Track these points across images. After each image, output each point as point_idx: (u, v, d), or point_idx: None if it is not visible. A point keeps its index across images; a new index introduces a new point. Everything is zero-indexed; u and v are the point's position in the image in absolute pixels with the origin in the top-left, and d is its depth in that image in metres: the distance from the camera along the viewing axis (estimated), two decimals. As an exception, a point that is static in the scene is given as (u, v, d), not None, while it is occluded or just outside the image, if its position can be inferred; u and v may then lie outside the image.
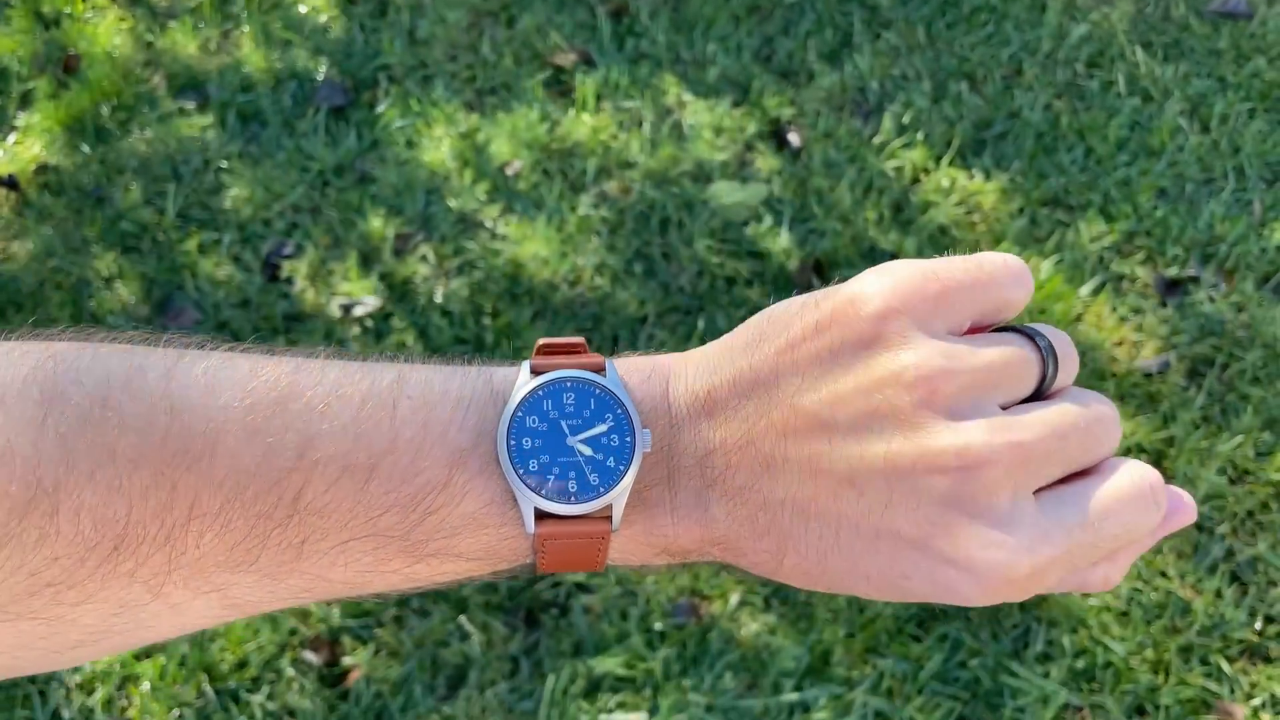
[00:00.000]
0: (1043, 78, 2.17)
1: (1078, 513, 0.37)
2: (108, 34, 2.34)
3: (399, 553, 0.38)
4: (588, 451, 0.39)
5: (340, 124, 2.16)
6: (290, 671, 1.51)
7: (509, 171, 2.06)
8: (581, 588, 1.57)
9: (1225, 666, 1.49)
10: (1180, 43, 2.23)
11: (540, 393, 0.40)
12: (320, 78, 2.23)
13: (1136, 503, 0.38)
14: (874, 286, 0.38)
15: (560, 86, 2.21)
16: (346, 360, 0.40)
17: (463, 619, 1.55)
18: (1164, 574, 1.57)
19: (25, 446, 0.34)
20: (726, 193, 2.00)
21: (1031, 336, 0.40)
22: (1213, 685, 1.47)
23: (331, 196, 2.05)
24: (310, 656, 1.52)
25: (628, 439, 0.39)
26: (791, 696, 1.47)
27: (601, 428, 0.39)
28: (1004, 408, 0.38)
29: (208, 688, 1.49)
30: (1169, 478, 1.65)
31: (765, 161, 2.07)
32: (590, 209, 2.00)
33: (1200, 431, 1.70)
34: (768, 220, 1.97)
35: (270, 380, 0.37)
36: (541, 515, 0.38)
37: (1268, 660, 1.50)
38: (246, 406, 0.36)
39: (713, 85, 2.18)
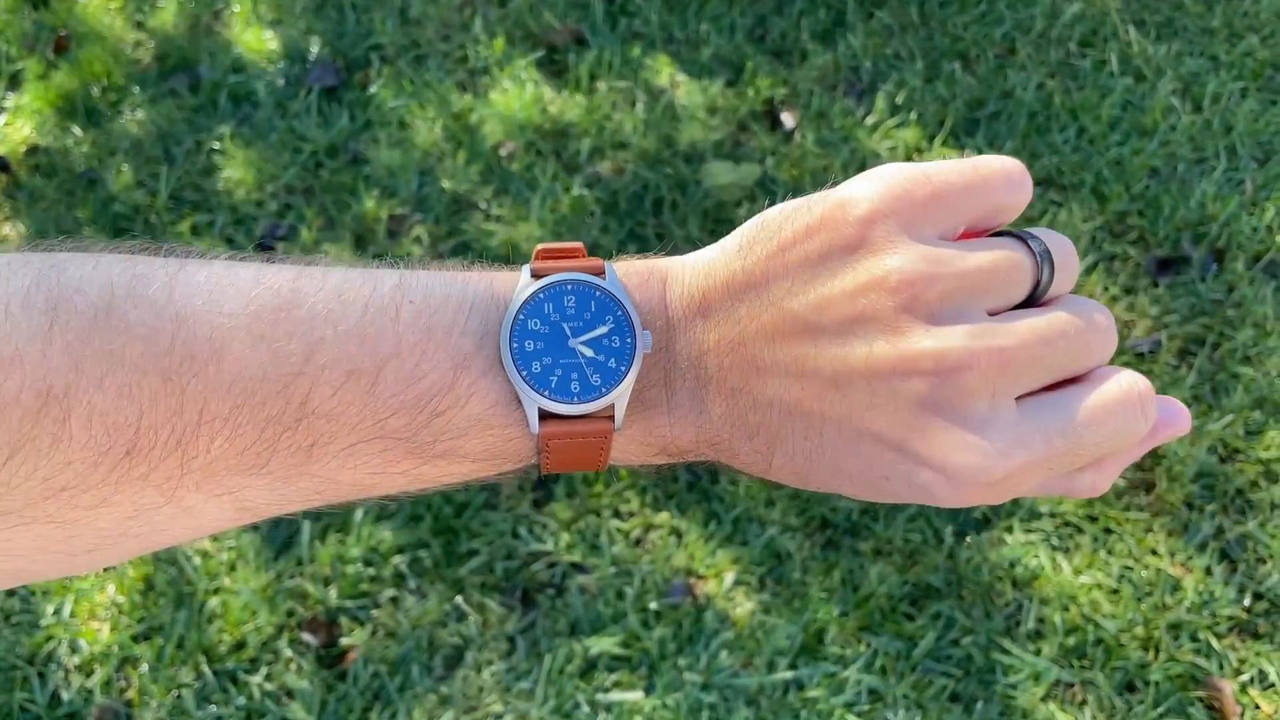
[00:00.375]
0: (1035, 57, 2.17)
1: (1059, 420, 0.38)
2: (97, 14, 2.32)
3: (407, 454, 0.39)
4: (589, 353, 0.40)
5: (333, 105, 2.15)
6: (288, 652, 1.52)
7: (502, 152, 2.06)
8: (577, 567, 1.59)
9: (1214, 643, 1.51)
10: (1173, 21, 2.23)
11: (541, 295, 0.40)
12: (312, 58, 2.22)
13: (1122, 412, 0.38)
14: (863, 190, 0.38)
15: (553, 66, 2.20)
16: (347, 267, 0.40)
17: (459, 599, 1.56)
18: (1154, 552, 1.59)
19: (33, 354, 0.34)
20: (720, 173, 2.00)
21: (1027, 241, 0.40)
22: (1202, 661, 1.49)
23: (325, 178, 2.04)
24: (308, 637, 1.53)
25: (628, 340, 0.40)
26: (786, 674, 1.48)
27: (602, 329, 0.40)
28: (996, 313, 0.39)
29: (206, 669, 1.50)
30: (1159, 456, 1.66)
31: (759, 141, 2.07)
32: (584, 190, 1.99)
33: (1191, 410, 1.71)
34: (761, 201, 1.97)
35: (273, 287, 0.38)
36: (545, 415, 0.39)
37: (1256, 636, 1.52)
38: (251, 314, 0.37)
39: (706, 65, 2.18)
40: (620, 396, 0.40)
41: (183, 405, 0.36)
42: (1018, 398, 0.38)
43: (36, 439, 0.34)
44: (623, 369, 0.40)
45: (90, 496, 0.36)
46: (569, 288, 0.41)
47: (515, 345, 0.39)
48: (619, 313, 0.40)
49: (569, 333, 0.40)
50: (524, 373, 0.39)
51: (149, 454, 0.36)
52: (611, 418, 0.40)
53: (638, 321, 0.40)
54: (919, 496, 0.38)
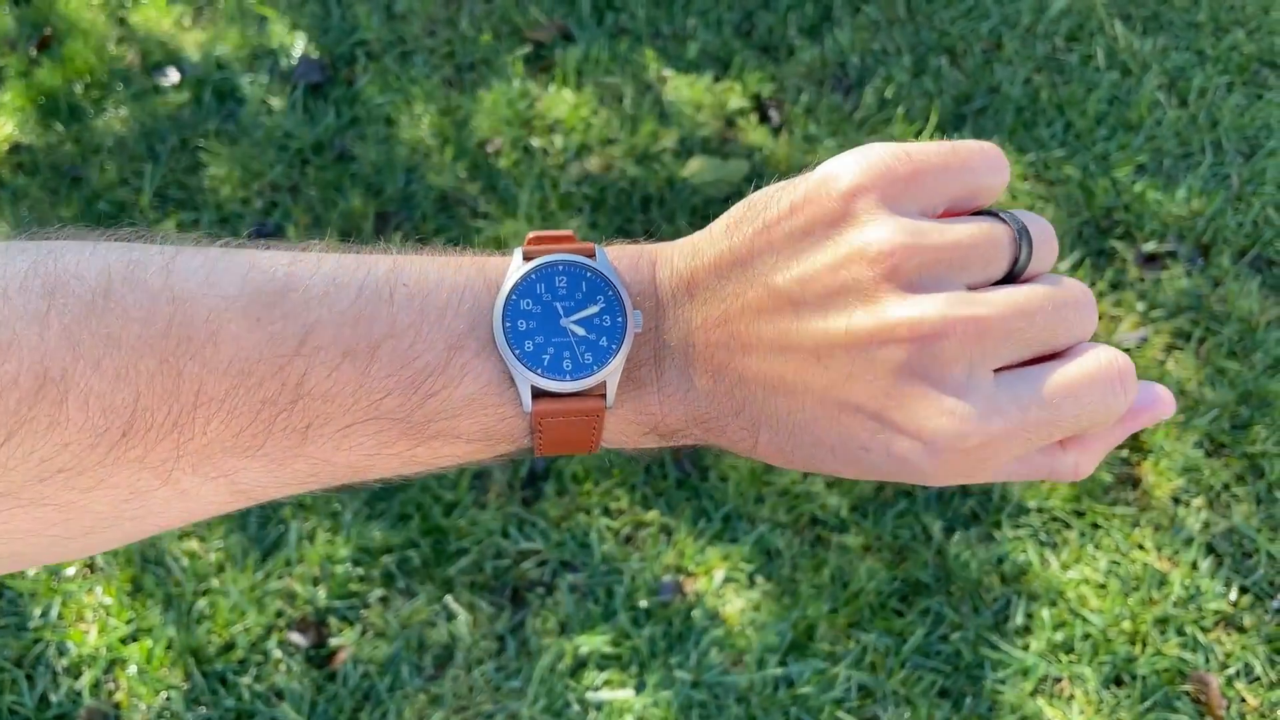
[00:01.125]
0: (1022, 52, 2.18)
1: (1035, 390, 0.38)
2: (80, 10, 2.30)
3: (401, 435, 0.39)
4: (580, 332, 0.40)
5: (319, 101, 2.14)
6: (277, 653, 1.52)
7: (489, 149, 2.05)
8: (567, 566, 1.59)
9: (1200, 637, 1.52)
10: (1159, 16, 2.24)
11: (533, 276, 0.41)
12: (297, 54, 2.21)
13: (1100, 386, 0.39)
14: (846, 166, 0.39)
15: (540, 62, 2.20)
16: (341, 252, 0.41)
17: (449, 599, 1.55)
18: (1141, 546, 1.60)
19: (31, 337, 0.35)
20: (707, 169, 2.00)
21: (1005, 220, 0.40)
22: (1188, 655, 1.50)
23: (311, 175, 2.03)
24: (297, 638, 1.52)
25: (619, 319, 0.40)
26: (776, 671, 1.49)
27: (593, 309, 0.41)
28: (975, 289, 0.39)
29: (194, 671, 1.50)
30: (1145, 451, 1.67)
31: (747, 137, 2.06)
32: (572, 186, 1.99)
33: (1177, 404, 1.71)
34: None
35: (268, 272, 0.38)
36: (538, 394, 0.40)
37: (1242, 630, 1.53)
38: (247, 297, 0.37)
39: (693, 60, 2.18)
40: (612, 374, 0.40)
41: (179, 387, 0.36)
42: (996, 371, 0.38)
43: (34, 420, 0.35)
44: (614, 347, 0.40)
45: (87, 478, 0.36)
46: (560, 268, 0.41)
47: (508, 324, 0.39)
48: (610, 292, 0.41)
49: (561, 312, 0.41)
50: (517, 351, 0.39)
51: (145, 436, 0.36)
52: (603, 396, 0.41)
53: (628, 301, 0.41)
54: (899, 469, 0.38)
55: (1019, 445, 0.38)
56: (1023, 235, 0.40)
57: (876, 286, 0.37)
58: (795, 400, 0.39)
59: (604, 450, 0.43)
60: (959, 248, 0.38)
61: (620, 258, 0.42)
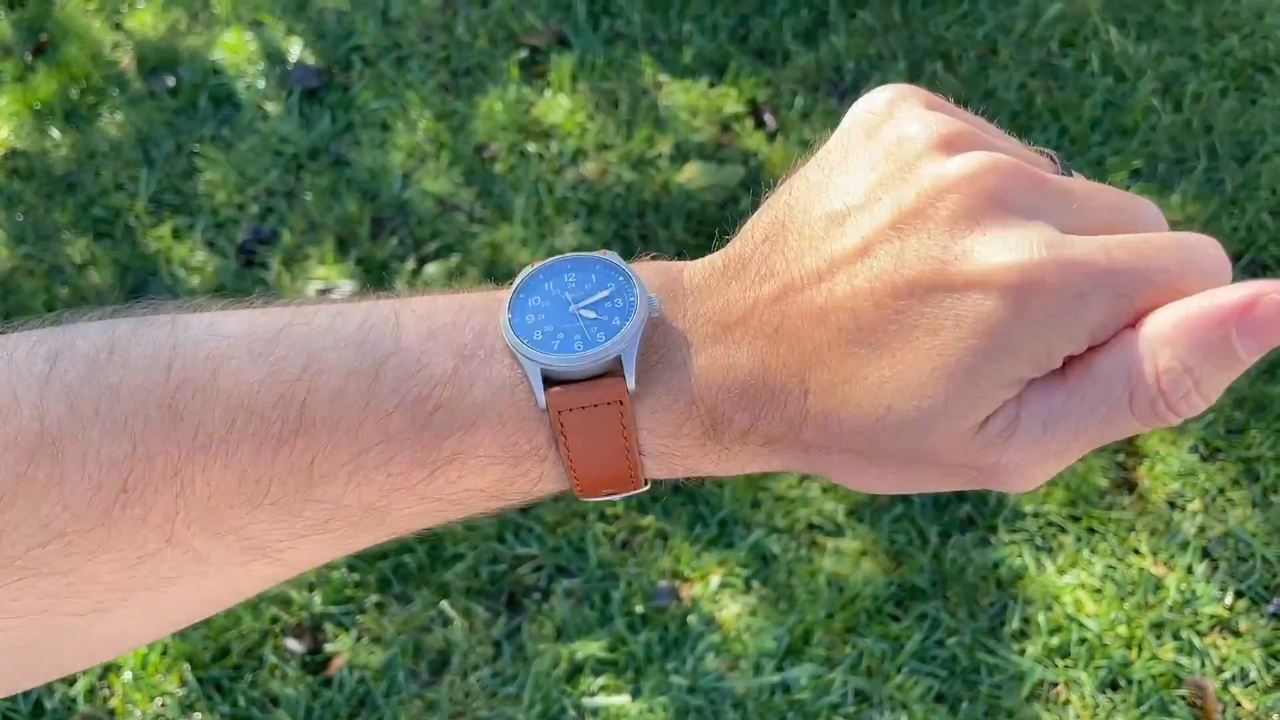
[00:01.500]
0: (1017, 57, 2.18)
1: (1116, 237, 0.33)
2: (77, 15, 2.30)
3: (413, 463, 0.37)
4: (592, 315, 0.39)
5: (314, 106, 2.14)
6: (273, 659, 1.51)
7: (485, 154, 2.05)
8: (563, 571, 1.58)
9: (1196, 641, 1.52)
10: (1153, 21, 2.24)
11: (540, 275, 0.40)
12: (293, 59, 2.21)
13: (1188, 242, 0.34)
14: (882, 89, 0.39)
15: (536, 67, 2.20)
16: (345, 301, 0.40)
17: (444, 604, 1.55)
18: (1136, 551, 1.60)
19: (30, 398, 0.35)
20: (703, 174, 2.00)
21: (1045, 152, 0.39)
22: (1184, 660, 1.50)
23: (306, 180, 2.03)
24: (293, 644, 1.52)
25: (632, 299, 0.38)
26: (773, 677, 1.48)
27: (604, 292, 0.39)
28: None
29: (190, 677, 1.49)
30: (1142, 456, 1.67)
31: (742, 142, 2.07)
32: (568, 191, 1.99)
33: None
34: (745, 201, 1.97)
35: (273, 315, 0.38)
36: (552, 385, 0.37)
37: (1237, 635, 1.53)
38: (250, 335, 0.37)
39: (689, 66, 2.18)
40: (626, 348, 0.37)
41: (177, 430, 0.35)
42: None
43: (32, 481, 0.34)
44: (627, 322, 0.38)
45: (88, 540, 0.35)
46: (568, 265, 0.40)
47: (514, 318, 0.38)
48: (621, 278, 0.39)
49: (571, 301, 0.39)
50: (524, 340, 0.37)
51: (145, 490, 0.35)
52: (622, 377, 0.37)
53: (640, 283, 0.38)
54: (974, 336, 0.33)
55: (1105, 294, 0.32)
56: (1059, 159, 0.39)
57: (919, 159, 0.35)
58: (845, 312, 0.35)
59: (653, 483, 0.40)
60: (1004, 148, 0.37)
61: (639, 265, 0.41)
